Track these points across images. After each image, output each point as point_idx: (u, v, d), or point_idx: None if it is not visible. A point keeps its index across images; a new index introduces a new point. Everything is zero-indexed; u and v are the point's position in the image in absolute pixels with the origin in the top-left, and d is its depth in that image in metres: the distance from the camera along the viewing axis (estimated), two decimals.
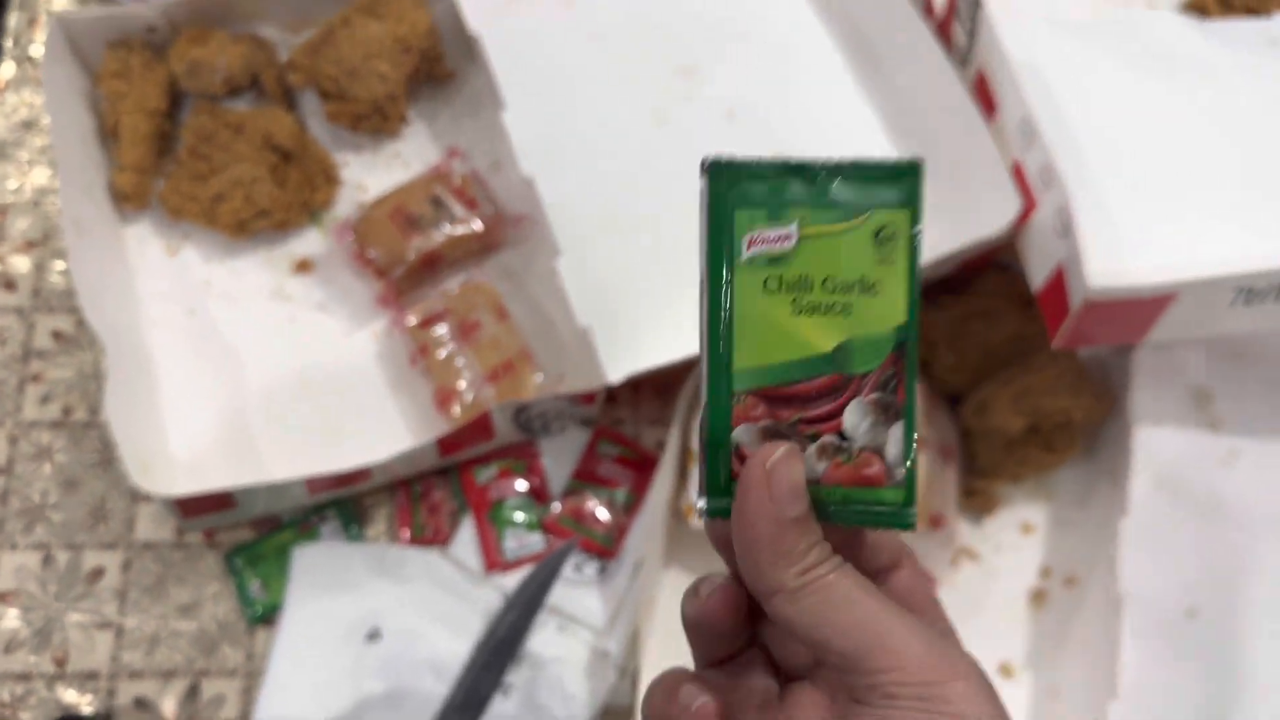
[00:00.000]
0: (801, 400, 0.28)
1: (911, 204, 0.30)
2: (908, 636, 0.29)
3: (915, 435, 0.28)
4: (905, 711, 0.28)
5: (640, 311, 0.74)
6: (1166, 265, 0.67)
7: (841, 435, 0.28)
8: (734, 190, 0.30)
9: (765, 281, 0.29)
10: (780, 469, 0.28)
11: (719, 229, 0.30)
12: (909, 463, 0.28)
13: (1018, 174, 0.71)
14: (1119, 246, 0.68)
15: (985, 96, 0.74)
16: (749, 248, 0.29)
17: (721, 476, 0.29)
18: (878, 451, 0.28)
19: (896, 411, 0.28)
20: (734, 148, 0.79)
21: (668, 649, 0.69)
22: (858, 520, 0.29)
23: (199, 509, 0.69)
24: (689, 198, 0.77)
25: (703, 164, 0.31)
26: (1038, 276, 0.70)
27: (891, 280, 0.29)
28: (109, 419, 0.66)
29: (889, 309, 0.28)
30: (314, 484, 0.70)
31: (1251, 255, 0.68)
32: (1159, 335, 0.67)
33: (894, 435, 0.28)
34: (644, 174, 0.78)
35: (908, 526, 0.28)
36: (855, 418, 0.28)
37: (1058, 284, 0.68)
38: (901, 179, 0.30)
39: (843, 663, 0.29)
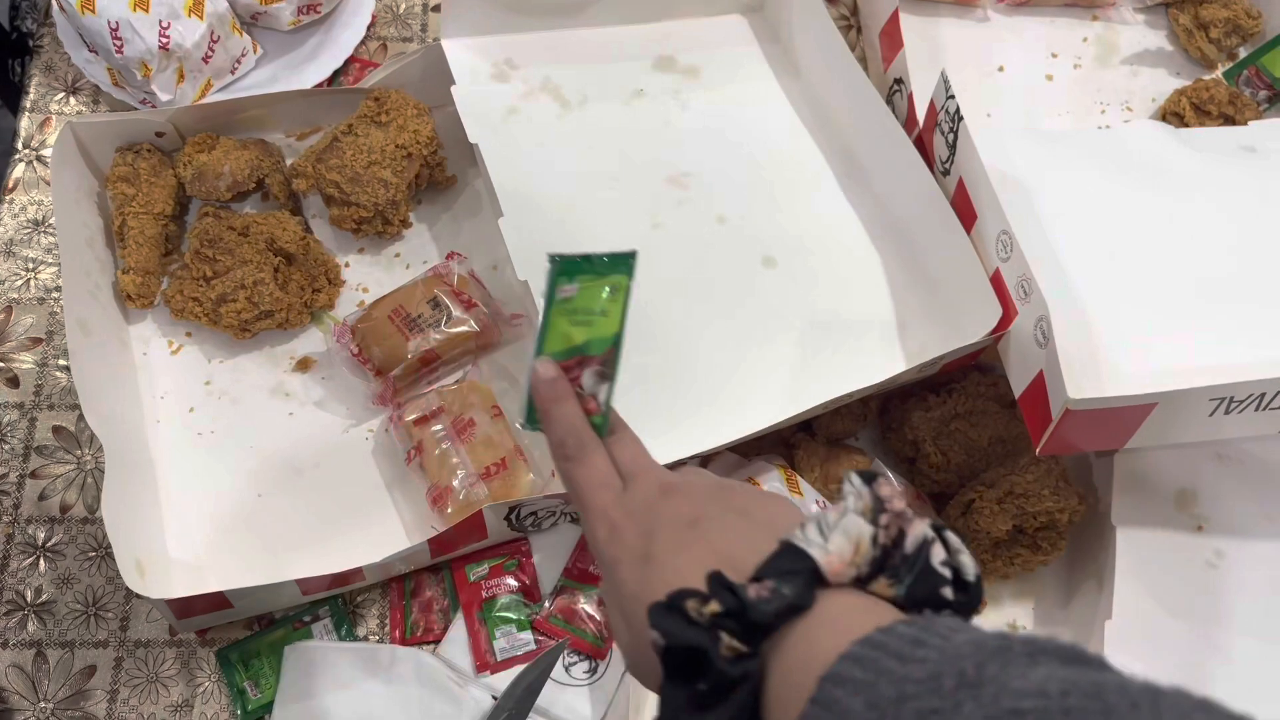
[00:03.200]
0: (568, 367, 0.50)
1: (628, 272, 0.51)
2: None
3: (614, 389, 0.50)
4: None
5: (630, 413, 0.75)
6: (1145, 375, 0.69)
7: (581, 386, 0.50)
8: (557, 267, 0.51)
9: (563, 309, 0.51)
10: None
11: (551, 285, 0.51)
12: (607, 404, 0.50)
13: (997, 283, 0.74)
14: (1098, 356, 0.70)
15: (966, 206, 0.77)
16: (560, 293, 0.51)
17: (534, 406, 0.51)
18: (594, 396, 0.50)
19: (608, 377, 0.50)
20: (724, 253, 0.82)
21: None
22: None
23: (194, 610, 0.70)
24: (681, 301, 0.80)
25: (549, 257, 0.52)
26: (1019, 383, 0.71)
27: (615, 310, 0.50)
28: (105, 520, 0.66)
29: (611, 324, 0.50)
30: (307, 585, 0.71)
31: (1231, 365, 0.70)
32: (1140, 442, 0.69)
33: (604, 389, 0.50)
34: (638, 278, 0.80)
35: (602, 433, 0.50)
36: (588, 378, 0.50)
37: (1039, 391, 0.69)
38: (627, 260, 0.51)
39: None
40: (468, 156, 0.91)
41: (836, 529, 0.39)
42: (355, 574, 0.71)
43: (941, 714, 0.30)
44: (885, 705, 0.32)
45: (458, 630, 0.76)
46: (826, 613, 0.37)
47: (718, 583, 0.38)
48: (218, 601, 0.70)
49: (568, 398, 0.49)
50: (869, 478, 0.40)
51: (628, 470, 0.49)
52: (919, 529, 0.39)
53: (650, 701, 0.72)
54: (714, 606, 0.37)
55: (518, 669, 0.74)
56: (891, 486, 0.40)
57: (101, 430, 0.70)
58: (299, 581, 0.69)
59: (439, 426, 0.78)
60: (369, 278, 0.87)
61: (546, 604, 0.77)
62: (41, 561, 0.77)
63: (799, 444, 0.79)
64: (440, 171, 0.88)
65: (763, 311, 0.79)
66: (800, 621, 0.37)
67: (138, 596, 0.76)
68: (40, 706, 0.73)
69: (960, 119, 0.76)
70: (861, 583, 0.39)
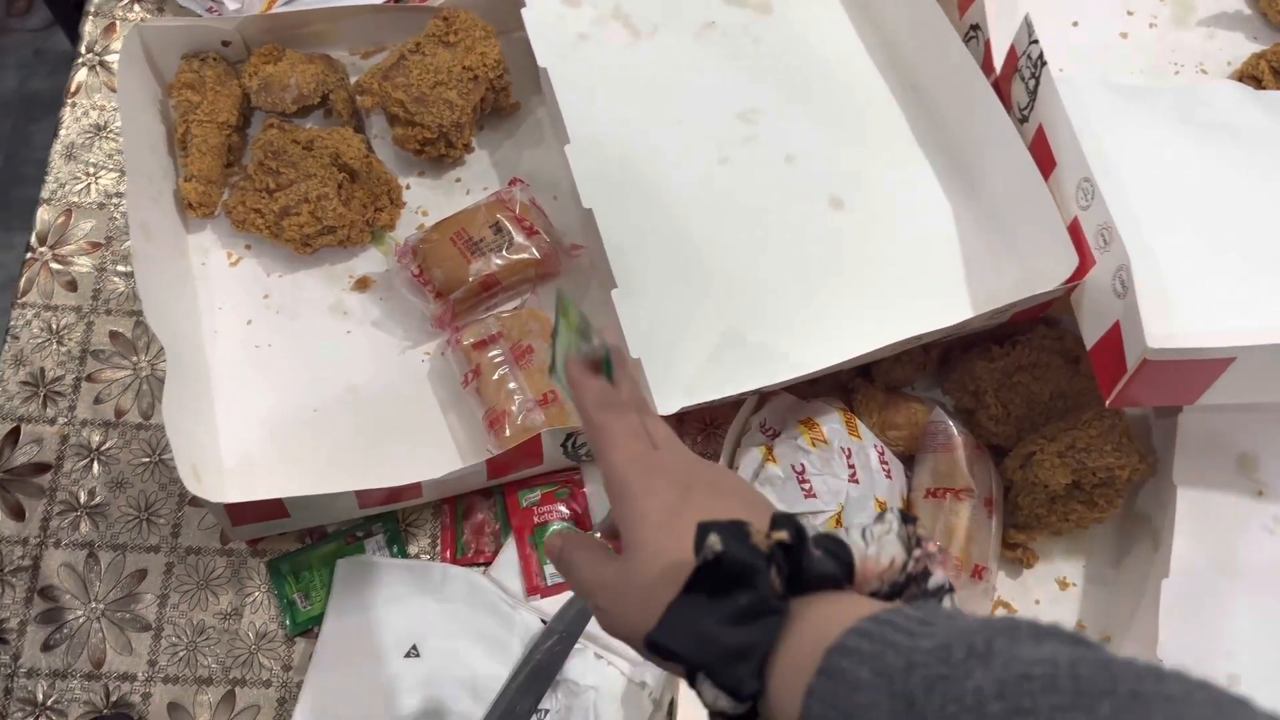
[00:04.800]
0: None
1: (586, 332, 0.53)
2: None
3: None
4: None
5: (691, 347, 0.74)
6: (1225, 329, 0.68)
7: None
8: (561, 303, 0.53)
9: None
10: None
11: (557, 317, 0.53)
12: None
13: (1074, 231, 0.73)
14: (1177, 308, 0.69)
15: (1044, 153, 0.76)
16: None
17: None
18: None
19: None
20: (791, 192, 0.81)
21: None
22: None
23: (249, 516, 0.70)
24: (745, 238, 0.79)
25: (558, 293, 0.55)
26: (1093, 334, 0.70)
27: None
28: (165, 421, 0.66)
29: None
30: (365, 497, 0.70)
31: None
32: (1212, 399, 0.68)
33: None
34: (702, 213, 0.80)
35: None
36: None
37: (1113, 343, 0.68)
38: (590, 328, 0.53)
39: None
40: (531, 83, 0.90)
41: (878, 541, 0.41)
42: (413, 490, 0.71)
43: (950, 680, 0.31)
44: (894, 673, 0.32)
45: (509, 554, 0.76)
46: (842, 600, 0.39)
47: (784, 519, 0.39)
48: (274, 510, 0.69)
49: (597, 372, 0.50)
50: (908, 519, 0.42)
51: (657, 438, 0.48)
52: (941, 575, 0.41)
53: None
54: (782, 535, 0.38)
55: (568, 594, 0.74)
56: (928, 539, 0.42)
57: (162, 333, 0.69)
58: (357, 494, 0.69)
59: (497, 351, 0.78)
60: (428, 201, 0.86)
61: (597, 533, 0.77)
62: (95, 464, 0.77)
63: (857, 389, 0.79)
64: (505, 97, 0.87)
65: (827, 252, 0.78)
66: (820, 598, 0.38)
67: (190, 504, 0.76)
68: (91, 606, 0.73)
69: (1044, 64, 0.75)
70: (876, 598, 0.40)
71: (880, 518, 0.42)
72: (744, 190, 0.80)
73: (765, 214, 0.80)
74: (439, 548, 0.76)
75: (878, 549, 0.41)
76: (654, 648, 0.40)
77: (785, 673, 0.37)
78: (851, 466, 0.71)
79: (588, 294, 0.83)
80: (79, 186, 0.85)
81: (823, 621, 0.36)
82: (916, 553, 0.41)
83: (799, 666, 0.36)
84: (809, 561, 0.39)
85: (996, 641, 0.31)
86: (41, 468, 0.77)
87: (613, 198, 0.78)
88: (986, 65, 0.82)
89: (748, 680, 0.37)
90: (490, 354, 0.78)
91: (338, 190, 0.80)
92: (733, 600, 0.38)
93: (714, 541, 0.38)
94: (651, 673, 0.71)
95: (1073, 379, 0.78)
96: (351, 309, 0.82)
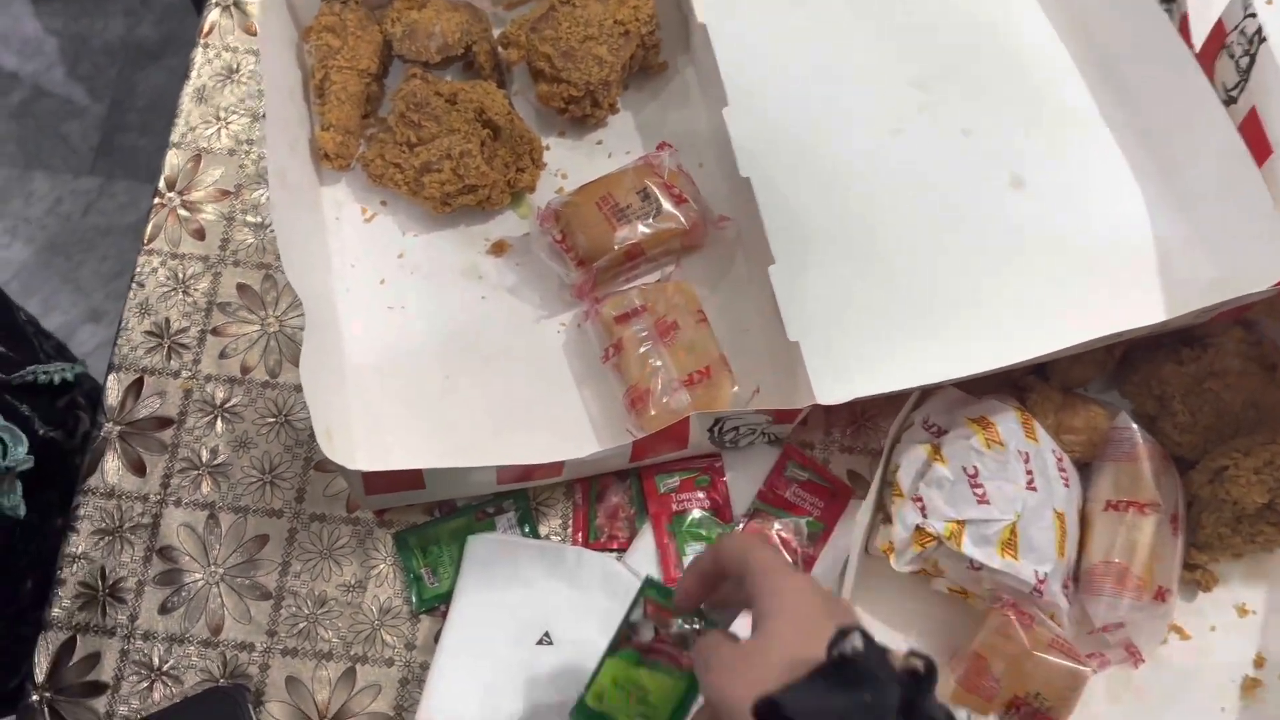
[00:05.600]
0: None
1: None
2: None
3: None
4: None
5: (853, 332, 0.69)
6: None
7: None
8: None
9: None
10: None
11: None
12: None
13: None
14: None
15: (1257, 138, 0.68)
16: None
17: None
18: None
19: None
20: (969, 169, 0.75)
21: None
22: None
23: (384, 486, 0.66)
24: (917, 216, 0.73)
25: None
26: None
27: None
28: (303, 380, 0.62)
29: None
30: (505, 473, 0.66)
31: None
32: None
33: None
34: (870, 186, 0.74)
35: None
36: None
37: None
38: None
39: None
40: (680, 42, 0.84)
41: None
42: (554, 468, 0.67)
43: None
44: None
45: (645, 541, 0.71)
46: None
47: (921, 655, 0.41)
48: (410, 480, 0.66)
49: None
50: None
51: None
52: None
53: None
54: (916, 663, 0.41)
55: None
56: None
57: (299, 285, 0.65)
58: (498, 469, 0.65)
59: (640, 326, 0.73)
60: (568, 163, 0.81)
61: (739, 525, 0.72)
62: (219, 422, 0.74)
63: (1031, 387, 0.73)
64: (654, 54, 0.82)
65: (1007, 237, 0.72)
66: None
67: (315, 468, 0.73)
68: (210, 570, 0.70)
69: (1262, 40, 0.68)
70: None
71: None
72: (917, 164, 0.74)
73: (940, 191, 0.74)
74: (570, 529, 0.72)
75: None
76: (769, 708, 0.40)
77: None
78: (1029, 473, 0.66)
79: (731, 270, 0.78)
80: (209, 131, 0.81)
81: None
82: None
83: None
84: (928, 703, 0.40)
85: None
86: (164, 422, 0.74)
87: (772, 166, 0.73)
88: (1184, 35, 0.75)
89: None
90: (633, 328, 0.73)
91: (481, 147, 0.75)
92: (859, 694, 0.39)
93: (855, 640, 0.40)
94: None
95: (1268, 389, 0.71)
96: (487, 273, 0.78)
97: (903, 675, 0.40)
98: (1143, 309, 0.68)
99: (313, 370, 0.64)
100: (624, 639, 0.57)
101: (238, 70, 0.83)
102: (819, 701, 0.39)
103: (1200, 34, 0.74)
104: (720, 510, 0.72)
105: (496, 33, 0.82)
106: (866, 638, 0.41)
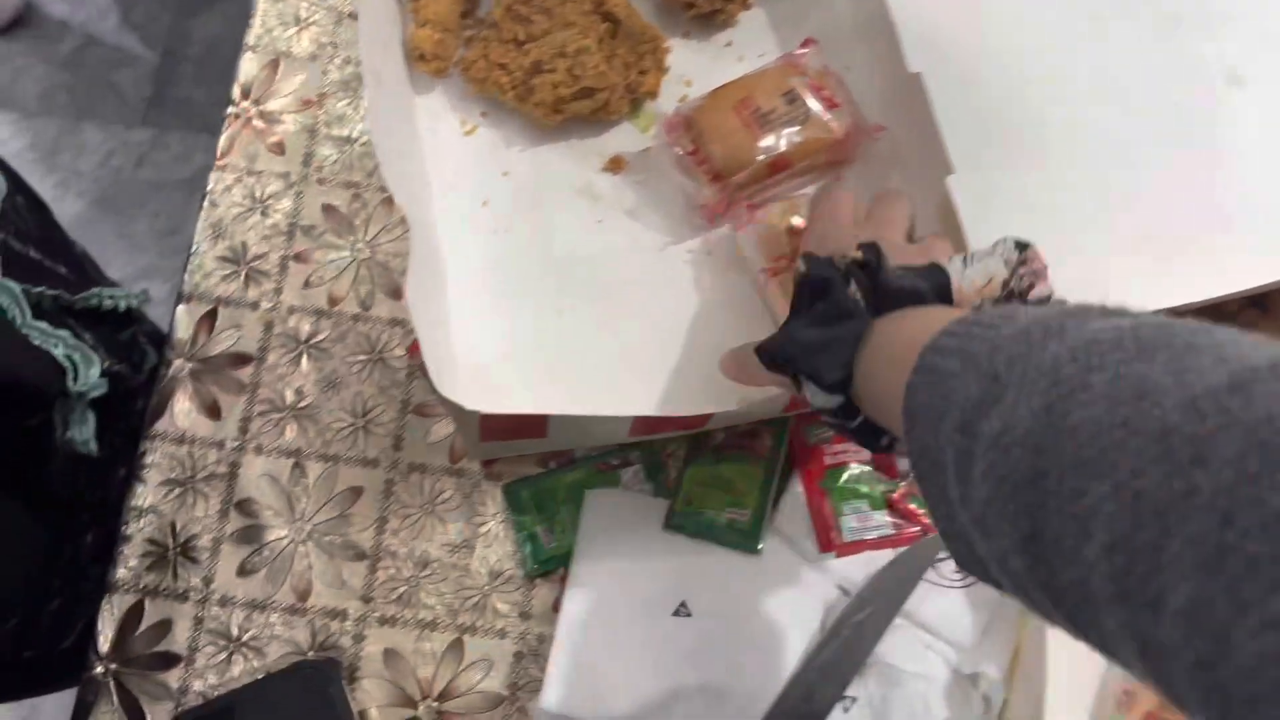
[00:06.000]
0: None
1: None
2: None
3: None
4: None
5: (1049, 253, 0.58)
6: None
7: None
8: None
9: None
10: None
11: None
12: None
13: None
14: None
15: None
16: None
17: None
18: None
19: None
20: (1177, 63, 0.64)
21: (1054, 675, 0.54)
22: None
23: (502, 432, 0.57)
24: (1124, 119, 0.62)
25: None
26: None
27: None
28: (410, 307, 0.53)
29: None
30: (640, 424, 0.57)
31: None
32: None
33: None
34: (1062, 89, 0.63)
35: None
36: None
37: None
38: None
39: None
40: None
41: (977, 263, 0.46)
42: (698, 420, 0.57)
43: (1027, 356, 0.34)
44: (980, 358, 0.36)
45: (793, 500, 0.61)
46: (933, 311, 0.44)
47: (868, 246, 0.47)
48: (533, 427, 0.56)
49: None
50: (1023, 244, 0.46)
51: None
52: (1045, 288, 0.46)
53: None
54: (855, 254, 0.47)
55: (870, 557, 0.59)
56: (1037, 253, 0.46)
57: (402, 197, 0.56)
58: (634, 419, 0.55)
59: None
60: (693, 68, 0.71)
61: (905, 483, 0.62)
62: (304, 359, 0.65)
63: (1250, 324, 0.62)
64: None
65: (1223, 146, 0.61)
66: (911, 310, 0.44)
67: (414, 412, 0.63)
68: (296, 526, 0.62)
69: None
70: None
71: (993, 245, 0.46)
72: (1116, 63, 0.63)
73: (1145, 91, 0.63)
74: None
75: (977, 271, 0.45)
76: (759, 354, 0.49)
77: (881, 373, 0.43)
78: None
79: (885, 185, 0.68)
80: (288, 33, 0.72)
81: (918, 329, 0.40)
82: (1022, 270, 0.46)
83: (897, 363, 0.40)
84: (885, 278, 0.45)
85: (1070, 320, 0.34)
86: (242, 359, 0.65)
87: (947, 62, 0.62)
88: None
89: (827, 370, 0.44)
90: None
91: (599, 44, 0.65)
92: (813, 309, 0.47)
93: (799, 264, 0.49)
94: (990, 665, 0.56)
95: None
96: (603, 193, 0.68)
97: (851, 268, 0.46)
98: None
99: (421, 299, 0.55)
100: (701, 443, 0.61)
101: None
102: (788, 331, 0.48)
103: None
104: (884, 463, 0.62)
105: None
106: (814, 259, 0.48)
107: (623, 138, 0.69)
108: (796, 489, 0.62)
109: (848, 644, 0.56)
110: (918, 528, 0.60)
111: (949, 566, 0.59)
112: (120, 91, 1.75)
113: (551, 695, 0.56)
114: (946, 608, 0.57)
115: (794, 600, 0.58)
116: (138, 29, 1.79)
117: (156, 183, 1.70)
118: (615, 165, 0.69)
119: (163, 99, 1.75)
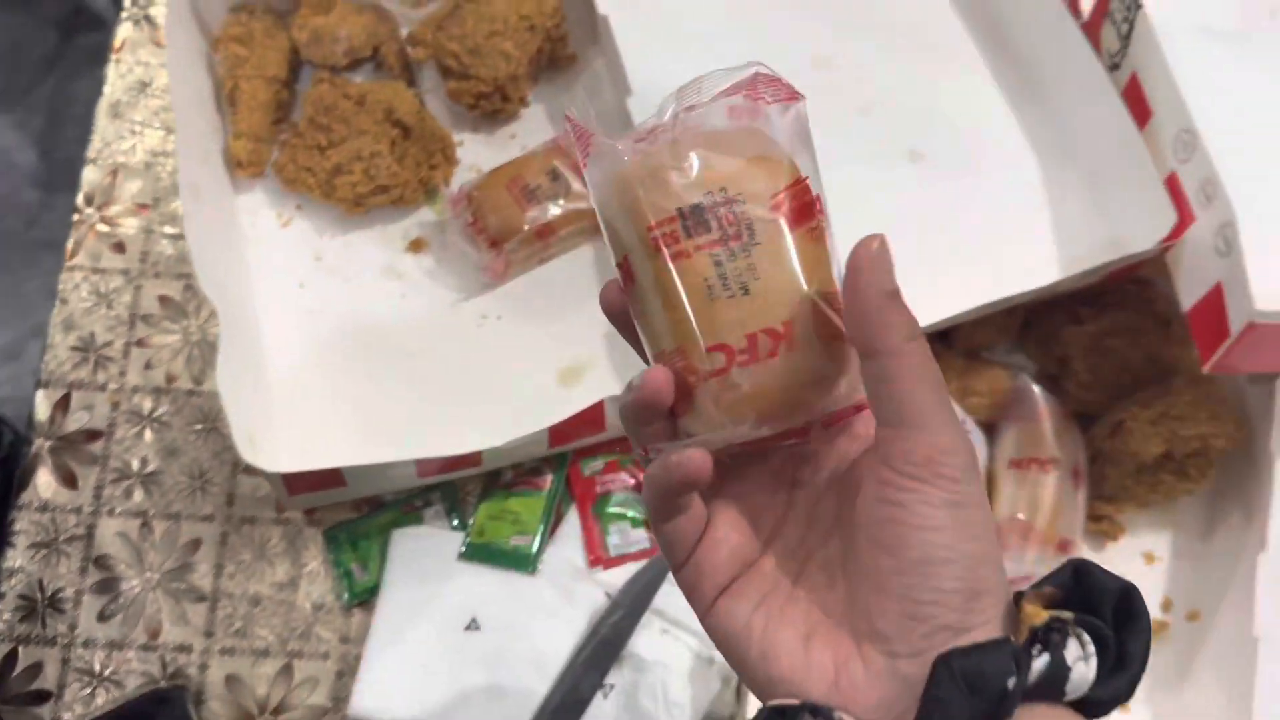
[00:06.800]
0: None
1: None
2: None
3: None
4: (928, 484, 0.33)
5: None
6: None
7: None
8: None
9: None
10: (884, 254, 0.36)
11: None
12: None
13: (1172, 186, 0.68)
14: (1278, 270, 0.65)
15: (1138, 103, 0.71)
16: None
17: None
18: None
19: None
20: (867, 142, 0.77)
21: None
22: None
23: (306, 486, 0.68)
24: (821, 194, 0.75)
25: None
26: (1191, 295, 0.66)
27: None
28: (219, 388, 0.64)
29: None
30: (424, 466, 0.68)
31: None
32: None
33: None
34: None
35: None
36: None
37: (1214, 304, 0.64)
38: None
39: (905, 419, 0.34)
40: (588, 34, 0.86)
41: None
42: (473, 459, 0.69)
43: None
44: None
45: (570, 524, 0.73)
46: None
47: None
48: (331, 479, 0.67)
49: None
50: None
51: None
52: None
53: None
54: (1039, 613, 0.34)
55: (631, 566, 0.71)
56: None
57: (215, 297, 0.67)
58: (416, 463, 0.67)
59: None
60: (482, 158, 0.83)
61: None
62: (148, 431, 0.75)
63: (935, 354, 0.75)
64: (562, 47, 0.84)
65: (906, 209, 0.74)
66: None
67: (244, 472, 0.74)
68: (146, 576, 0.72)
69: (1138, 7, 0.70)
70: None
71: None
72: (818, 142, 0.76)
73: (840, 167, 0.75)
74: None
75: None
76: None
77: None
78: None
79: None
80: (125, 145, 0.82)
81: None
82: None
83: None
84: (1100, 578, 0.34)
85: None
86: (93, 435, 0.75)
87: None
88: (1073, 8, 0.78)
89: None
90: None
91: (391, 147, 0.77)
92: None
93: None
94: None
95: (1166, 343, 0.74)
96: (405, 270, 0.79)
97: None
98: (1038, 273, 0.71)
99: (231, 376, 0.66)
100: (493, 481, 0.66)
101: (150, 84, 0.84)
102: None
103: (1088, 2, 0.77)
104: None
105: (405, 32, 0.83)
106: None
107: (422, 219, 0.81)
108: (573, 515, 0.74)
109: (605, 641, 0.67)
110: None
111: None
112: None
113: (359, 702, 0.67)
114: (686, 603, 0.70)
115: (566, 609, 0.70)
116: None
117: (51, 245, 1.77)
118: (416, 246, 0.80)
119: (50, 163, 1.82)
